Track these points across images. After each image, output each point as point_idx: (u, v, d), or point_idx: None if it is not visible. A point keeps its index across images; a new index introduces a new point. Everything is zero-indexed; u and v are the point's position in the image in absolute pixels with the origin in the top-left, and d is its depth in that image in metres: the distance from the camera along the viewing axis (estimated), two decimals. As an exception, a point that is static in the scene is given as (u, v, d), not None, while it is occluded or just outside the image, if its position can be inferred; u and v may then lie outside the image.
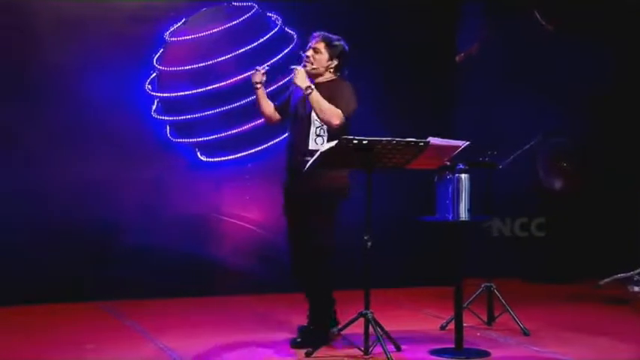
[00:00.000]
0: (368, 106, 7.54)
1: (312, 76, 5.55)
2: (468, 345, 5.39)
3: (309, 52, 5.56)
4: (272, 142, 7.77)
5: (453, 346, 5.35)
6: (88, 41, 7.32)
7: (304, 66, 5.54)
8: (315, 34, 5.63)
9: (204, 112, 7.63)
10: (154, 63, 7.58)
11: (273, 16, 7.86)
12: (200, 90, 7.61)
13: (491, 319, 6.21)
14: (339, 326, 5.49)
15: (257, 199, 7.84)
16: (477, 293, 6.22)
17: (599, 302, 7.28)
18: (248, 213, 7.82)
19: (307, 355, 5.18)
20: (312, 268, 5.51)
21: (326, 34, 5.60)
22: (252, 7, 7.79)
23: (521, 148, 6.43)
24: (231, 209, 7.81)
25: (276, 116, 5.73)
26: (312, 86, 5.40)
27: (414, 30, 8.17)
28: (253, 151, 7.75)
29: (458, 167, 5.35)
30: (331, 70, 5.57)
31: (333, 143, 4.99)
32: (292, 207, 5.59)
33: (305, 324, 5.62)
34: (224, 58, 7.60)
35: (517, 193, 7.98)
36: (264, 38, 7.74)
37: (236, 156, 7.75)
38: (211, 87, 7.63)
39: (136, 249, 7.39)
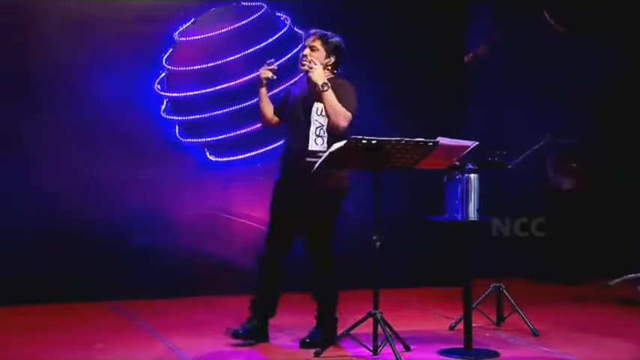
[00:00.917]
0: (377, 106, 7.59)
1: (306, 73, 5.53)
2: (477, 345, 5.38)
3: (306, 51, 5.51)
4: (281, 142, 7.75)
5: (462, 346, 5.35)
6: (96, 41, 7.33)
7: (302, 65, 5.49)
8: (310, 31, 5.59)
9: (213, 112, 7.64)
10: (163, 63, 7.60)
11: (282, 15, 7.86)
12: (209, 90, 7.62)
13: (500, 320, 6.20)
14: (348, 326, 5.50)
15: (266, 198, 7.83)
16: (486, 293, 6.21)
17: (608, 303, 7.26)
18: (257, 213, 7.81)
19: (316, 355, 5.18)
20: (319, 268, 5.54)
21: (321, 30, 5.56)
22: (261, 7, 7.80)
23: (531, 149, 6.42)
24: (240, 209, 7.81)
25: (275, 119, 5.69)
26: (329, 84, 5.37)
27: (424, 30, 8.17)
28: (262, 150, 7.75)
29: (467, 167, 5.34)
30: (329, 67, 5.53)
31: (342, 143, 4.98)
32: (291, 206, 5.53)
33: (314, 324, 5.62)
34: (233, 57, 7.61)
35: (526, 193, 7.96)
36: (273, 38, 7.74)
37: (245, 156, 7.75)
38: (220, 87, 7.63)
39: (144, 249, 7.41)
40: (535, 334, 5.85)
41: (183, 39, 7.64)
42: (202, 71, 7.63)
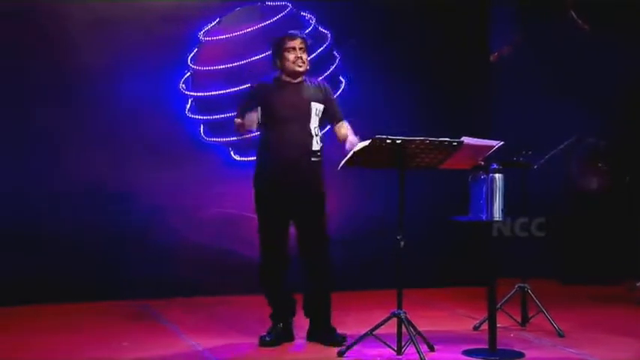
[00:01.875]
0: (405, 106, 7.59)
1: (301, 75, 5.57)
2: (501, 346, 5.36)
3: (304, 55, 5.55)
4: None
5: (486, 346, 5.33)
6: (122, 42, 7.37)
7: (299, 66, 5.52)
8: (296, 33, 5.62)
9: (237, 111, 7.65)
10: (188, 62, 7.62)
11: (307, 15, 7.86)
12: (234, 89, 7.63)
13: (525, 320, 6.17)
14: (372, 326, 5.50)
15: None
16: (511, 294, 6.18)
17: (634, 305, 7.20)
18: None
19: (339, 354, 5.19)
20: (322, 264, 5.58)
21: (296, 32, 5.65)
22: (286, 7, 7.81)
23: (556, 149, 6.38)
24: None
25: (245, 125, 5.58)
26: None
27: (449, 30, 8.16)
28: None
29: (492, 167, 5.32)
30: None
31: (366, 142, 4.99)
32: (291, 205, 5.53)
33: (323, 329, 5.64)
34: (258, 57, 7.62)
35: (551, 193, 7.93)
36: (298, 38, 7.73)
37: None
38: (245, 86, 7.63)
39: (170, 248, 7.44)
40: (560, 334, 5.82)
41: (208, 39, 7.67)
42: (227, 71, 7.65)
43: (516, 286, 6.17)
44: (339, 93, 7.82)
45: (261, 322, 6.20)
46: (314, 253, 5.57)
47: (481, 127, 7.35)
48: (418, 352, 4.97)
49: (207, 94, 7.66)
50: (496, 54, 8.72)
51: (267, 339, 5.53)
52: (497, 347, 5.30)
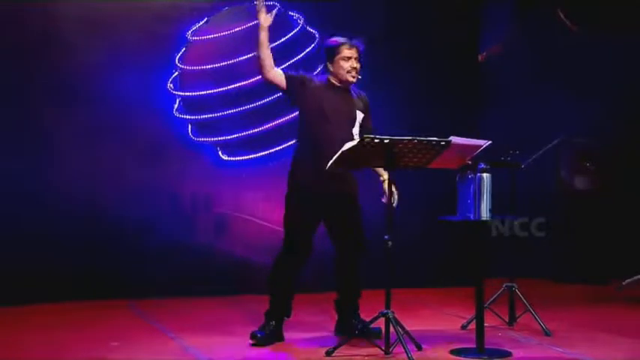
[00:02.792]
0: (394, 106, 7.59)
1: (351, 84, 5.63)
2: (489, 345, 5.37)
3: (358, 65, 5.61)
4: (293, 141, 7.77)
5: (474, 345, 5.34)
6: (110, 41, 7.36)
7: (353, 77, 5.60)
8: (355, 41, 5.62)
9: (225, 111, 7.65)
10: (176, 62, 7.62)
11: (295, 15, 7.87)
12: (222, 89, 7.63)
13: (512, 319, 6.19)
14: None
15: (278, 197, 7.85)
16: (498, 293, 6.20)
17: (621, 303, 7.24)
18: (270, 212, 7.82)
19: (328, 354, 5.19)
20: (355, 265, 5.69)
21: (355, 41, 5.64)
22: (274, 7, 7.76)
23: (544, 148, 6.40)
24: (252, 208, 7.83)
25: (275, 71, 5.55)
26: None
27: (438, 29, 8.17)
28: (274, 150, 7.76)
29: (479, 166, 5.34)
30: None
31: (354, 142, 4.99)
32: (325, 207, 5.56)
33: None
34: (246, 57, 7.62)
35: (539, 192, 7.96)
36: (286, 37, 7.74)
37: (257, 155, 7.76)
38: (233, 86, 7.65)
39: (159, 247, 7.43)
40: (547, 333, 5.84)
41: (196, 38, 7.66)
42: (215, 70, 7.64)
43: (504, 286, 6.19)
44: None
45: (249, 321, 6.20)
46: (351, 258, 5.70)
47: (469, 127, 7.37)
48: (406, 351, 4.98)
49: (195, 93, 7.65)
50: (484, 54, 8.74)
51: (259, 335, 5.52)
52: (485, 346, 5.31)
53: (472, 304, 5.52)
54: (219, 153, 7.73)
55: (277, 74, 5.56)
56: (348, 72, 5.58)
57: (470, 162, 5.35)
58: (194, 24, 7.65)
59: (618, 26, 8.35)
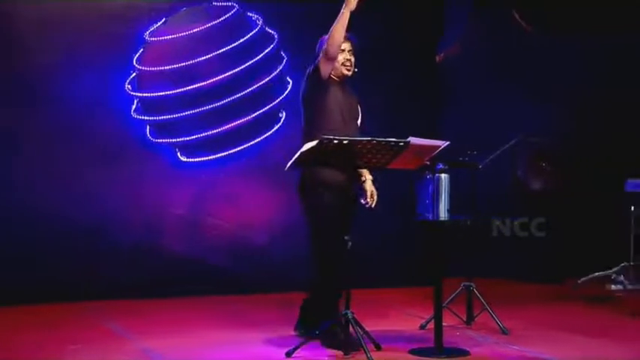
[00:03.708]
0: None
1: (347, 78, 5.63)
2: (447, 344, 5.40)
3: (353, 59, 5.63)
4: (252, 142, 7.79)
5: (432, 345, 5.37)
6: (67, 41, 7.30)
7: (348, 70, 5.59)
8: (347, 35, 5.56)
9: (184, 112, 7.62)
10: (134, 63, 7.57)
11: (254, 16, 7.86)
12: (180, 90, 7.60)
13: (470, 319, 6.23)
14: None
15: (238, 199, 7.85)
16: (456, 293, 6.25)
17: (577, 301, 7.33)
18: (229, 213, 7.82)
19: (287, 355, 5.19)
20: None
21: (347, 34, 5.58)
22: (232, 7, 7.79)
23: (501, 148, 6.46)
24: (212, 209, 7.81)
25: (337, 56, 5.47)
26: None
27: (397, 31, 8.20)
28: (233, 151, 7.75)
29: (437, 167, 5.37)
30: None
31: (314, 143, 4.99)
32: (349, 205, 5.46)
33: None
34: (204, 58, 7.60)
35: (498, 193, 8.03)
36: (245, 38, 7.74)
37: (216, 156, 7.74)
38: (191, 87, 7.62)
39: (117, 249, 7.38)
40: (504, 332, 5.89)
41: (154, 39, 7.62)
42: (173, 71, 7.61)
43: (462, 285, 6.23)
44: (286, 93, 7.84)
45: (206, 323, 6.19)
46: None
47: (428, 128, 7.42)
48: (365, 351, 5.00)
49: (153, 94, 7.61)
50: (442, 55, 8.79)
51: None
52: (443, 346, 5.35)
53: (431, 303, 5.56)
54: (178, 154, 7.70)
55: (340, 50, 5.47)
56: (343, 64, 5.57)
57: (428, 162, 5.39)
58: (152, 24, 7.61)
59: (572, 27, 8.45)
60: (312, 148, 4.99)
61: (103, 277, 7.31)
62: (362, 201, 5.55)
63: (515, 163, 8.62)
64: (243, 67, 7.69)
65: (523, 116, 8.04)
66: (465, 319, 6.23)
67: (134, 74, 7.59)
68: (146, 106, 7.62)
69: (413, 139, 5.10)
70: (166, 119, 7.62)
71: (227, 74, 7.64)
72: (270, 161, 7.58)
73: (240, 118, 7.68)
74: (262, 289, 7.61)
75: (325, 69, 5.45)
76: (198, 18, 7.68)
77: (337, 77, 5.61)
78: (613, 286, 7.76)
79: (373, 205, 5.54)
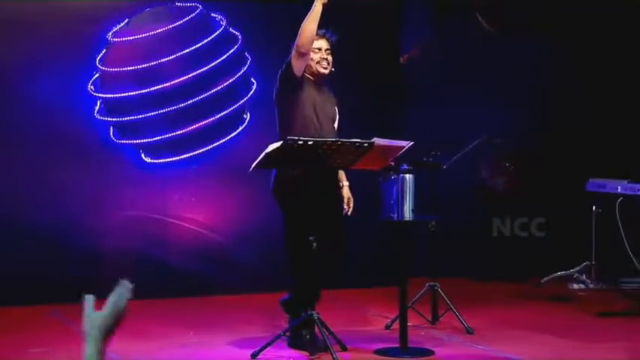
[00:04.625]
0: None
1: (324, 77, 5.55)
2: (412, 344, 5.42)
3: (330, 57, 5.55)
4: (217, 143, 7.76)
5: (397, 345, 5.38)
6: (29, 41, 7.23)
7: (325, 68, 5.52)
8: (325, 33, 5.55)
9: (147, 113, 7.58)
10: (97, 63, 7.51)
11: (218, 16, 7.83)
12: (143, 91, 7.55)
13: (435, 318, 6.26)
14: (285, 328, 5.51)
15: (202, 200, 7.82)
16: (421, 293, 6.27)
17: (540, 300, 7.40)
18: (193, 214, 7.79)
19: (253, 356, 5.18)
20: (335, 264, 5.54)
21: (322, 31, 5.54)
22: (195, 8, 7.76)
23: (464, 149, 6.51)
24: (177, 211, 7.77)
25: (307, 59, 5.35)
26: None
27: (360, 32, 8.21)
28: (198, 152, 7.72)
29: (402, 167, 5.39)
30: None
31: (278, 144, 4.98)
32: (326, 207, 5.43)
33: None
34: (168, 58, 7.56)
35: (461, 193, 8.08)
36: (209, 39, 7.71)
37: (181, 157, 7.71)
38: (155, 88, 7.58)
39: (81, 251, 7.33)
40: (469, 331, 5.92)
41: (116, 39, 7.57)
42: (136, 72, 7.56)
43: (427, 285, 6.26)
44: (250, 94, 7.82)
45: (169, 325, 6.16)
46: (337, 255, 5.54)
47: (392, 128, 7.44)
48: (330, 352, 5.00)
49: (117, 95, 7.56)
50: (406, 56, 8.82)
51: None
52: (409, 345, 5.36)
53: (396, 303, 5.57)
54: (142, 155, 7.65)
55: (311, 45, 5.33)
56: (318, 63, 5.47)
57: (393, 163, 5.40)
58: (115, 25, 7.55)
59: (536, 27, 8.53)
60: (277, 148, 4.98)
61: (65, 279, 7.23)
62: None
63: (479, 163, 8.67)
64: (207, 67, 7.66)
65: (486, 117, 8.08)
66: (429, 319, 6.25)
67: (97, 75, 7.53)
68: (109, 107, 7.57)
69: (377, 140, 5.11)
70: (130, 120, 7.57)
71: (191, 75, 7.61)
72: (234, 162, 7.55)
73: (204, 119, 7.66)
74: (227, 291, 7.58)
75: (298, 65, 5.31)
76: (161, 18, 7.64)
77: (313, 76, 5.51)
78: (575, 285, 7.84)
79: (349, 212, 5.55)
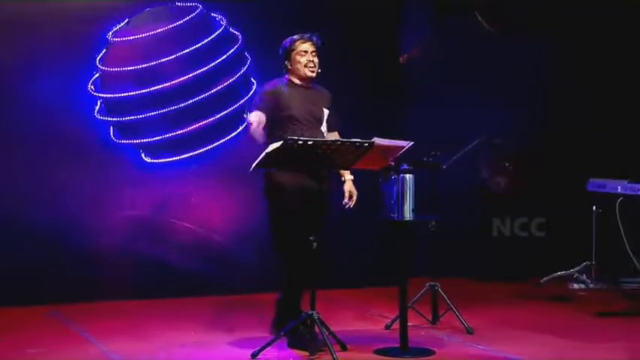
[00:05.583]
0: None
1: (312, 79, 5.62)
2: (412, 344, 5.42)
3: (317, 59, 5.60)
4: (217, 143, 7.75)
5: (398, 345, 5.38)
6: (29, 41, 7.22)
7: (311, 71, 5.58)
8: (309, 36, 5.61)
9: (147, 112, 7.58)
10: (97, 63, 7.51)
11: (218, 16, 7.83)
12: (144, 91, 7.55)
13: (435, 318, 6.26)
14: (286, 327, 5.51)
15: (203, 199, 7.82)
16: (422, 293, 6.27)
17: (540, 300, 7.39)
18: (194, 214, 7.78)
19: (253, 356, 5.18)
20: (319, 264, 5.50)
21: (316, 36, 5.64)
22: (196, 8, 7.76)
23: (464, 149, 6.51)
24: (177, 210, 7.76)
25: (262, 131, 5.46)
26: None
27: (360, 32, 8.21)
28: (198, 152, 7.72)
29: (402, 167, 5.39)
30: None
31: (278, 144, 4.98)
32: (311, 206, 5.42)
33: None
34: (168, 58, 7.56)
35: (461, 193, 8.08)
36: (209, 39, 7.71)
37: (181, 157, 7.70)
38: (155, 88, 7.57)
39: (81, 251, 7.32)
40: (469, 331, 5.92)
41: (116, 39, 7.56)
42: (136, 72, 7.56)
43: (427, 285, 6.26)
44: (250, 94, 7.82)
45: (175, 325, 6.16)
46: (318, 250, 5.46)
47: (392, 128, 7.44)
48: (331, 352, 5.00)
49: (117, 95, 7.56)
50: (406, 56, 8.82)
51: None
52: (409, 345, 5.36)
53: (396, 303, 5.57)
54: (142, 155, 7.65)
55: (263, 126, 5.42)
56: (305, 65, 5.55)
57: (393, 163, 5.41)
58: (115, 25, 7.55)
59: (537, 28, 8.53)
60: (277, 149, 4.99)
61: (65, 279, 7.23)
62: (343, 202, 5.58)
63: (479, 163, 8.67)
64: (207, 67, 7.66)
65: (486, 117, 8.08)
66: (430, 319, 6.25)
67: (97, 75, 7.53)
68: (109, 106, 7.57)
69: (377, 140, 5.12)
70: (130, 120, 7.57)
71: (191, 75, 7.60)
72: (234, 162, 7.54)
73: (204, 119, 7.65)
74: (227, 291, 7.57)
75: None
76: (161, 18, 7.64)
77: (300, 79, 5.60)
78: (576, 285, 7.84)
79: (352, 205, 5.55)
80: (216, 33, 7.77)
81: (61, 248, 7.27)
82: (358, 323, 6.41)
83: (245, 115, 5.32)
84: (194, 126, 7.64)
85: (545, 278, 7.94)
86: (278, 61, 5.64)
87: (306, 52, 5.57)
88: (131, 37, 7.57)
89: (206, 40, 7.69)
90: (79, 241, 7.33)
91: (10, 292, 7.02)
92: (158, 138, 7.63)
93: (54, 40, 7.28)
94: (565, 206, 8.29)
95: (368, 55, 8.23)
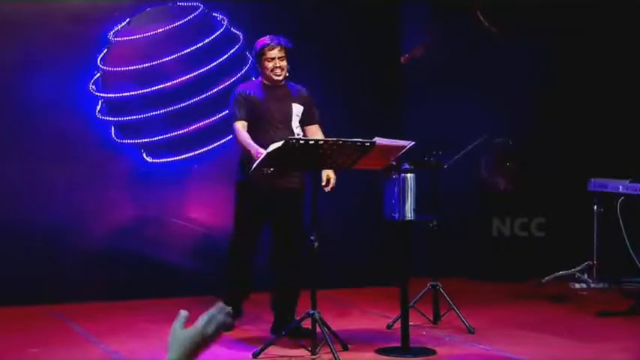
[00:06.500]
0: (318, 107, 7.60)
1: (281, 82, 5.78)
2: (414, 344, 5.43)
3: (283, 64, 5.74)
4: (218, 143, 7.75)
5: (399, 345, 5.39)
6: (31, 41, 7.22)
7: (278, 75, 5.76)
8: (277, 41, 5.74)
9: (149, 112, 7.57)
10: (98, 63, 7.51)
11: (219, 16, 7.82)
12: (145, 90, 7.55)
13: (437, 318, 6.26)
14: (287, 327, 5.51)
15: (204, 200, 7.82)
16: (423, 292, 6.27)
17: (542, 300, 7.39)
18: (194, 214, 7.78)
19: (254, 356, 5.18)
20: (298, 262, 5.75)
21: (284, 40, 5.80)
22: (197, 7, 7.76)
23: (465, 149, 6.51)
24: (178, 210, 7.76)
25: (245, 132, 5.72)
26: None
27: (361, 31, 8.22)
28: (199, 151, 7.72)
29: (403, 167, 5.40)
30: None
31: (279, 144, 4.99)
32: (281, 205, 5.69)
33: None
34: (169, 58, 7.56)
35: (462, 192, 8.08)
36: (210, 39, 7.70)
37: (182, 157, 7.70)
38: (156, 87, 7.57)
39: (82, 251, 7.32)
40: (471, 331, 5.92)
41: (118, 39, 7.56)
42: (138, 72, 7.55)
43: (428, 285, 6.26)
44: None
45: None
46: (291, 252, 5.75)
47: (393, 128, 7.45)
48: (332, 351, 5.00)
49: (118, 95, 7.55)
50: (407, 55, 8.82)
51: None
52: (410, 345, 5.37)
53: (397, 303, 5.58)
54: (143, 155, 7.64)
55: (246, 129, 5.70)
56: (272, 71, 5.74)
57: (394, 163, 5.41)
58: (116, 25, 7.55)
59: (536, 28, 8.53)
60: (278, 148, 4.99)
61: (66, 279, 7.23)
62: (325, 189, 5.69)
63: (480, 163, 8.67)
64: (208, 67, 7.66)
65: (486, 117, 8.09)
66: (431, 319, 6.25)
67: (98, 75, 7.52)
68: (111, 106, 7.56)
69: (379, 140, 5.12)
70: (131, 120, 7.57)
71: (192, 75, 7.60)
72: (235, 162, 7.54)
73: (206, 119, 7.65)
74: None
75: None
76: (162, 18, 7.63)
77: (269, 81, 5.81)
78: (577, 285, 7.84)
79: (328, 189, 5.64)
80: (218, 33, 7.76)
81: (62, 248, 7.27)
82: (359, 323, 6.41)
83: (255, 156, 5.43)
84: (195, 126, 7.64)
85: (546, 278, 7.94)
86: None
87: (272, 58, 5.74)
88: (132, 37, 7.57)
89: (207, 40, 7.68)
90: (79, 241, 7.33)
91: (10, 292, 7.01)
92: (159, 138, 7.62)
93: (55, 39, 7.28)
94: (566, 206, 8.29)
95: (369, 55, 8.23)
